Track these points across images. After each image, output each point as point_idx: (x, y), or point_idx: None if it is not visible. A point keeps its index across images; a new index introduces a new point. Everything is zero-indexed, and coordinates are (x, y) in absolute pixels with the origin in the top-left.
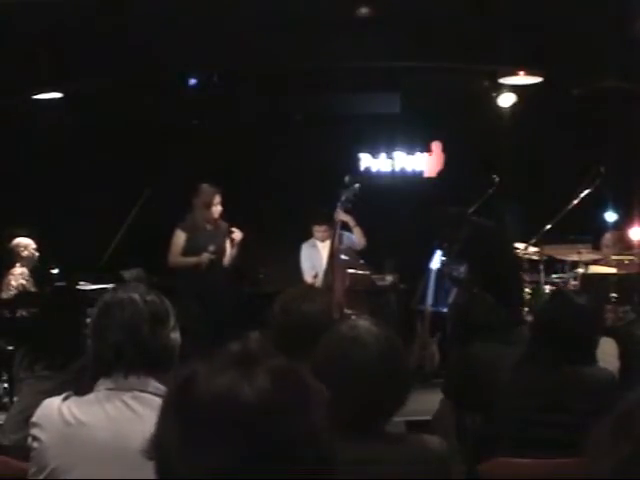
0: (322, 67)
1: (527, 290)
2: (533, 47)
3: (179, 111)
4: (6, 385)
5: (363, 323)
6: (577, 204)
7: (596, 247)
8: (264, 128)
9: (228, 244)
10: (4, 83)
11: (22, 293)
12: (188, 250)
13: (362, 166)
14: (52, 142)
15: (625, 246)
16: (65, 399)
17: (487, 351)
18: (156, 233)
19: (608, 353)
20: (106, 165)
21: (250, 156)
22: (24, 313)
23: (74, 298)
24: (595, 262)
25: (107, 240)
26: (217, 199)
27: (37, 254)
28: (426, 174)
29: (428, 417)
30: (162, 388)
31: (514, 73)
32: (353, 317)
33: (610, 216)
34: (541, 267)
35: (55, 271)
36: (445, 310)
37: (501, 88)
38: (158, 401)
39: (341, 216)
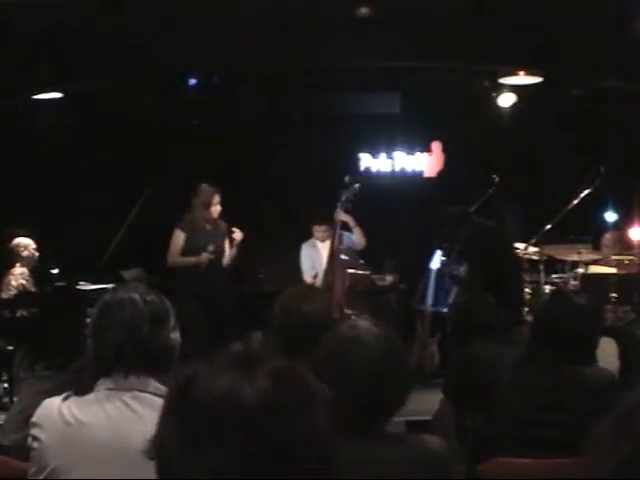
0: (322, 67)
1: (527, 290)
2: (533, 47)
3: (179, 111)
4: (6, 385)
5: (363, 323)
6: (577, 204)
7: (596, 247)
8: (264, 128)
9: (227, 244)
10: (4, 83)
11: (22, 293)
12: (187, 250)
13: (362, 166)
14: (52, 142)
15: (625, 246)
16: (65, 399)
17: (487, 351)
18: (156, 233)
19: (608, 353)
20: (106, 165)
21: (250, 156)
22: (24, 313)
23: (74, 298)
24: (595, 262)
25: (107, 240)
26: (216, 199)
27: (37, 254)
28: (426, 174)
29: (428, 417)
30: (162, 388)
31: (514, 73)
32: (353, 317)
33: (610, 216)
34: (541, 267)
35: (55, 271)
36: (445, 310)
37: (501, 88)
38: (158, 401)
39: (341, 216)
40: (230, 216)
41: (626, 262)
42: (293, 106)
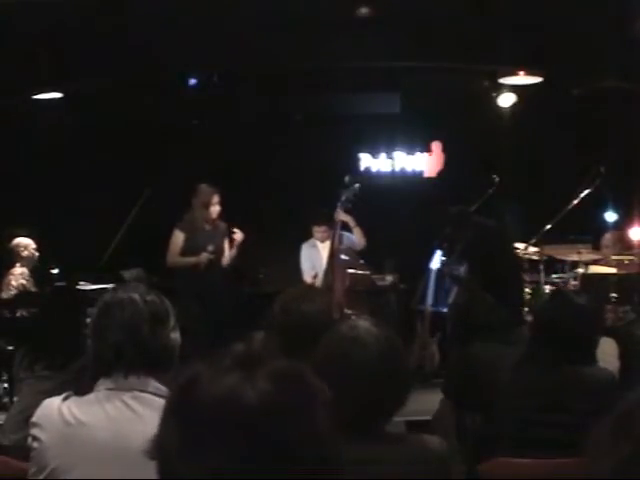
0: (322, 67)
1: (527, 290)
2: (533, 47)
3: (179, 111)
4: (6, 385)
5: (363, 323)
6: (577, 204)
7: (596, 247)
8: (264, 128)
9: (227, 244)
10: (4, 83)
11: (22, 293)
12: (187, 250)
13: (362, 166)
14: (52, 142)
15: (625, 246)
16: (65, 399)
17: (487, 351)
18: (156, 233)
19: (608, 353)
20: (106, 165)
21: (250, 156)
22: (24, 313)
23: (74, 298)
24: (595, 262)
25: (107, 240)
26: (215, 199)
27: (37, 254)
28: (426, 174)
29: (428, 417)
30: (162, 388)
31: (514, 73)
32: (353, 317)
33: (610, 216)
34: (541, 267)
35: (55, 271)
36: (445, 310)
37: (501, 88)
38: (158, 401)
39: (341, 216)
40: (230, 216)
41: (626, 262)
42: (293, 106)
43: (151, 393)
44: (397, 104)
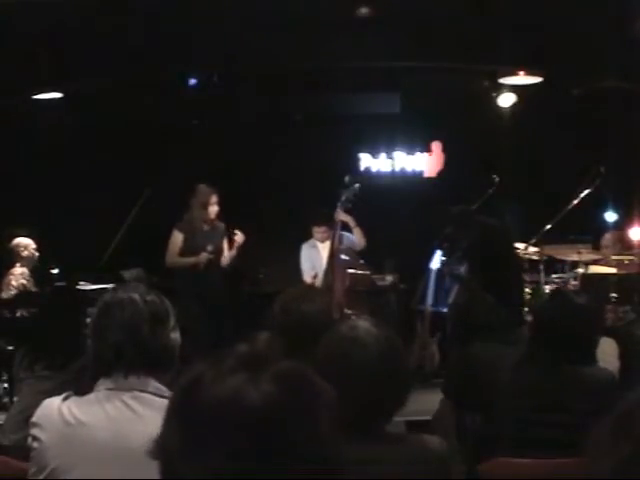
0: (322, 67)
1: (527, 290)
2: (533, 47)
3: (179, 111)
4: (6, 385)
5: (363, 323)
6: (577, 204)
7: (596, 247)
8: (264, 128)
9: (226, 244)
10: (4, 83)
11: (22, 293)
12: (186, 250)
13: (362, 166)
14: (52, 142)
15: (625, 246)
16: (65, 399)
17: (487, 351)
18: (156, 233)
19: (608, 353)
20: (106, 165)
21: (250, 156)
22: (24, 313)
23: (74, 298)
24: (595, 262)
25: (107, 240)
26: (214, 199)
27: (37, 254)
28: (426, 174)
29: (428, 417)
30: (162, 388)
31: (514, 73)
32: (353, 317)
33: (610, 216)
34: (541, 267)
35: (55, 271)
36: (445, 310)
37: (501, 88)
38: (158, 401)
39: (341, 216)
40: (230, 216)
41: (626, 262)
42: (293, 106)
43: (151, 393)
44: (397, 104)
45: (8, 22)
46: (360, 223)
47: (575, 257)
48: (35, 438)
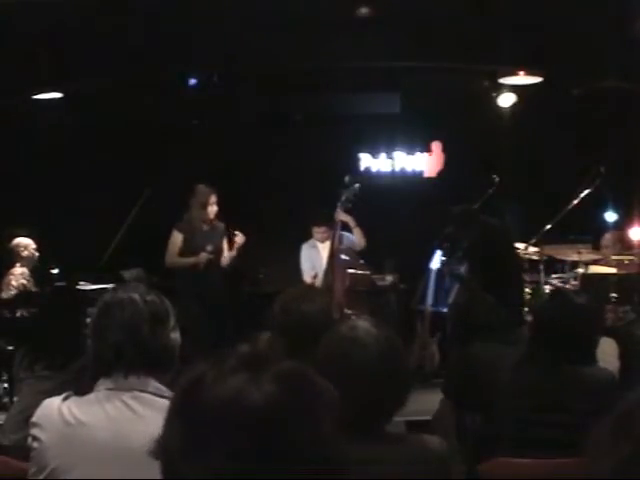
0: (322, 67)
1: (527, 290)
2: (533, 47)
3: (179, 111)
4: (6, 385)
5: (363, 323)
6: (577, 204)
7: (596, 247)
8: (264, 128)
9: (225, 244)
10: (4, 83)
11: (22, 293)
12: (185, 250)
13: (362, 166)
14: (52, 142)
15: (625, 246)
16: (65, 399)
17: (487, 351)
18: (156, 233)
19: (608, 353)
20: (106, 165)
21: (250, 156)
22: (24, 313)
23: (74, 298)
24: (595, 262)
25: (107, 240)
26: (213, 199)
27: (37, 254)
28: (426, 174)
29: (428, 417)
30: (162, 388)
31: (514, 73)
32: (353, 317)
33: (610, 216)
34: (541, 267)
35: (55, 271)
36: (445, 310)
37: (501, 88)
38: (158, 401)
39: (341, 216)
40: (230, 216)
41: (626, 262)
42: (293, 106)
43: (151, 393)
44: (397, 104)
45: (8, 22)
46: (360, 223)
47: (575, 257)
48: (35, 438)
